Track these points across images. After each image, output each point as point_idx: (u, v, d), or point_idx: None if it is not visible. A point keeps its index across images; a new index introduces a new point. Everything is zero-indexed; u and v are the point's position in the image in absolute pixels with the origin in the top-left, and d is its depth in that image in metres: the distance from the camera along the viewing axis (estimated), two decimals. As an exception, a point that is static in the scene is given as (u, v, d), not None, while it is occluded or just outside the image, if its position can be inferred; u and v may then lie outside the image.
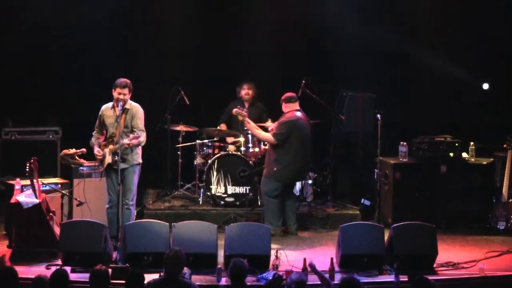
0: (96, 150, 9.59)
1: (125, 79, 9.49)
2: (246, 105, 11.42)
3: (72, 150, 10.13)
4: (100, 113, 9.65)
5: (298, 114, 10.28)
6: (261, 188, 10.38)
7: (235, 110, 10.49)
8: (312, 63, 11.91)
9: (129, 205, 9.52)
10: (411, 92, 11.96)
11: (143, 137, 9.45)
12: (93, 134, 9.72)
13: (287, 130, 10.16)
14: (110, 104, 9.60)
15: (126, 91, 9.43)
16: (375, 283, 8.45)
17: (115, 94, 9.46)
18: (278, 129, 10.20)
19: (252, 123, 10.41)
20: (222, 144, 11.24)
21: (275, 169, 10.20)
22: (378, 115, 10.16)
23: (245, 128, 10.62)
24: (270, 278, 8.03)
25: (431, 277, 7.79)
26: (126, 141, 9.27)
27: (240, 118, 10.46)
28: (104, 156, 9.55)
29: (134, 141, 9.28)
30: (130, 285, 7.04)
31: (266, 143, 10.54)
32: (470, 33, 11.81)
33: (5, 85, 11.70)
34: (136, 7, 11.77)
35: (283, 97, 10.33)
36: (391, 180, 10.90)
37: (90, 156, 10.05)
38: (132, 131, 9.46)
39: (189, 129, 11.26)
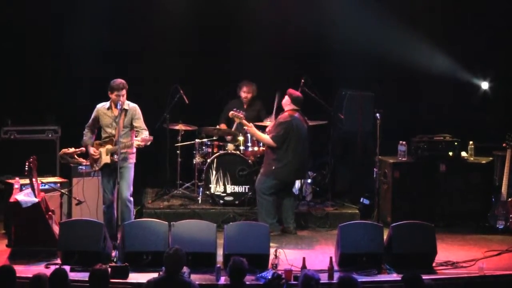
0: (92, 150, 9.58)
1: (121, 80, 9.45)
2: (245, 105, 11.43)
3: (71, 149, 10.14)
4: (95, 112, 9.64)
5: (295, 114, 10.29)
6: (256, 186, 10.37)
7: (231, 113, 10.49)
8: (311, 62, 11.91)
9: (127, 202, 9.50)
10: (410, 91, 11.95)
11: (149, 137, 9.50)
12: (84, 133, 9.70)
13: (285, 130, 10.16)
14: (105, 104, 9.59)
15: (123, 92, 9.43)
16: (374, 282, 8.45)
17: (112, 96, 9.45)
18: (276, 131, 10.20)
19: (253, 128, 10.40)
20: (221, 143, 11.25)
21: (273, 167, 10.20)
22: (377, 114, 10.15)
23: (244, 128, 10.60)
24: (269, 277, 8.07)
25: (429, 277, 7.83)
26: (136, 142, 9.28)
27: (237, 120, 10.48)
28: (100, 156, 9.55)
29: (143, 143, 9.33)
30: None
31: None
32: (470, 32, 11.81)
33: (4, 84, 11.70)
34: (135, 7, 11.76)
35: (293, 94, 10.30)
36: (390, 179, 10.90)
37: (89, 155, 10.05)
38: (131, 131, 9.49)
39: (188, 128, 11.26)
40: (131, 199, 9.58)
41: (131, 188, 9.59)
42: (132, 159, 9.58)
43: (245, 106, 11.41)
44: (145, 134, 9.47)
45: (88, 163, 10.26)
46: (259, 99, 11.54)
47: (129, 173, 9.54)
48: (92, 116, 9.66)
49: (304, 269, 8.18)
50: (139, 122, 9.52)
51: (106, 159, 9.53)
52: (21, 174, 9.44)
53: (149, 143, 9.46)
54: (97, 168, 9.65)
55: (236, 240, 8.84)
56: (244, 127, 10.52)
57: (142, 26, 11.83)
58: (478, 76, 12.02)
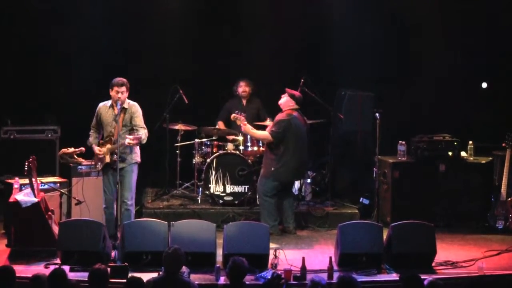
0: (97, 149, 9.58)
1: (121, 78, 9.48)
2: (244, 102, 11.45)
3: (71, 149, 10.15)
4: (97, 111, 9.65)
5: (294, 113, 10.29)
6: (258, 188, 10.37)
7: (233, 116, 10.46)
8: (311, 62, 11.92)
9: (128, 205, 9.50)
10: (409, 91, 11.95)
11: (144, 135, 9.46)
12: (90, 133, 9.71)
13: (284, 129, 10.16)
14: (107, 102, 9.59)
15: (123, 89, 9.43)
16: (374, 282, 8.45)
17: (112, 93, 9.46)
18: (275, 127, 10.20)
19: (248, 125, 10.39)
20: (220, 143, 11.25)
21: (273, 168, 10.19)
22: (377, 114, 10.15)
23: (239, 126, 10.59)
24: (269, 277, 8.06)
25: (432, 276, 7.82)
26: (127, 140, 9.27)
27: (239, 123, 10.46)
28: (103, 155, 9.55)
29: (135, 141, 9.30)
30: None
31: (263, 143, 10.54)
32: (470, 32, 11.82)
33: (4, 84, 11.70)
34: (135, 7, 11.76)
35: (293, 93, 10.29)
36: (390, 179, 10.90)
37: (89, 155, 10.06)
38: (131, 130, 9.47)
39: (188, 128, 11.26)
40: (132, 202, 9.56)
41: (133, 190, 9.58)
42: (134, 159, 9.56)
43: (244, 103, 11.41)
44: (141, 132, 9.46)
45: (87, 163, 10.29)
46: (259, 97, 11.54)
47: (130, 175, 9.53)
48: (95, 115, 9.67)
49: (312, 275, 8.15)
50: (138, 120, 9.50)
51: (107, 158, 9.52)
52: (21, 174, 9.43)
53: (144, 141, 9.44)
54: (100, 168, 9.66)
55: (235, 240, 8.83)
56: (239, 125, 10.49)
57: (142, 26, 11.84)
58: (477, 75, 12.02)
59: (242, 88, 11.44)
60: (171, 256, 7.19)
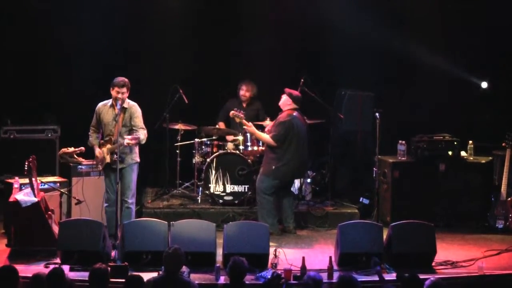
0: (98, 151, 9.58)
1: (123, 78, 9.49)
2: (244, 104, 11.45)
3: (71, 149, 10.16)
4: (96, 110, 9.65)
5: (294, 113, 10.29)
6: (257, 186, 10.37)
7: (232, 112, 10.49)
8: (311, 62, 11.92)
9: (129, 204, 9.54)
10: (410, 91, 11.95)
11: (143, 135, 9.46)
12: (89, 134, 9.71)
13: (285, 130, 10.16)
14: (107, 101, 9.60)
15: (124, 89, 9.44)
16: (373, 281, 8.44)
17: (113, 93, 9.47)
18: (276, 130, 10.20)
19: (253, 127, 10.39)
20: (220, 143, 11.25)
21: (273, 167, 10.20)
22: (377, 114, 10.16)
23: (244, 127, 10.59)
24: (269, 276, 8.06)
25: (435, 276, 7.82)
26: (126, 141, 9.27)
27: (238, 120, 10.47)
28: (103, 156, 9.56)
29: (134, 141, 9.29)
30: None
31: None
32: (470, 32, 11.82)
33: (4, 84, 11.70)
34: (136, 7, 11.76)
35: (292, 93, 10.30)
36: (390, 179, 10.91)
37: (88, 154, 10.06)
38: (131, 130, 9.47)
39: (188, 127, 11.27)
40: (132, 201, 9.58)
41: (133, 190, 9.60)
42: (134, 159, 9.57)
43: (244, 105, 11.43)
44: (140, 132, 9.46)
45: (87, 163, 10.29)
46: (258, 99, 11.55)
47: (130, 174, 9.54)
48: (94, 115, 9.67)
49: (309, 271, 8.16)
50: (137, 121, 9.51)
51: (107, 158, 9.53)
52: (21, 174, 9.43)
53: (143, 142, 9.45)
54: (101, 168, 9.67)
55: (235, 239, 8.84)
56: (244, 127, 10.52)
57: (142, 26, 11.84)
58: (477, 75, 12.03)
59: (243, 92, 11.45)
60: (171, 256, 7.19)
